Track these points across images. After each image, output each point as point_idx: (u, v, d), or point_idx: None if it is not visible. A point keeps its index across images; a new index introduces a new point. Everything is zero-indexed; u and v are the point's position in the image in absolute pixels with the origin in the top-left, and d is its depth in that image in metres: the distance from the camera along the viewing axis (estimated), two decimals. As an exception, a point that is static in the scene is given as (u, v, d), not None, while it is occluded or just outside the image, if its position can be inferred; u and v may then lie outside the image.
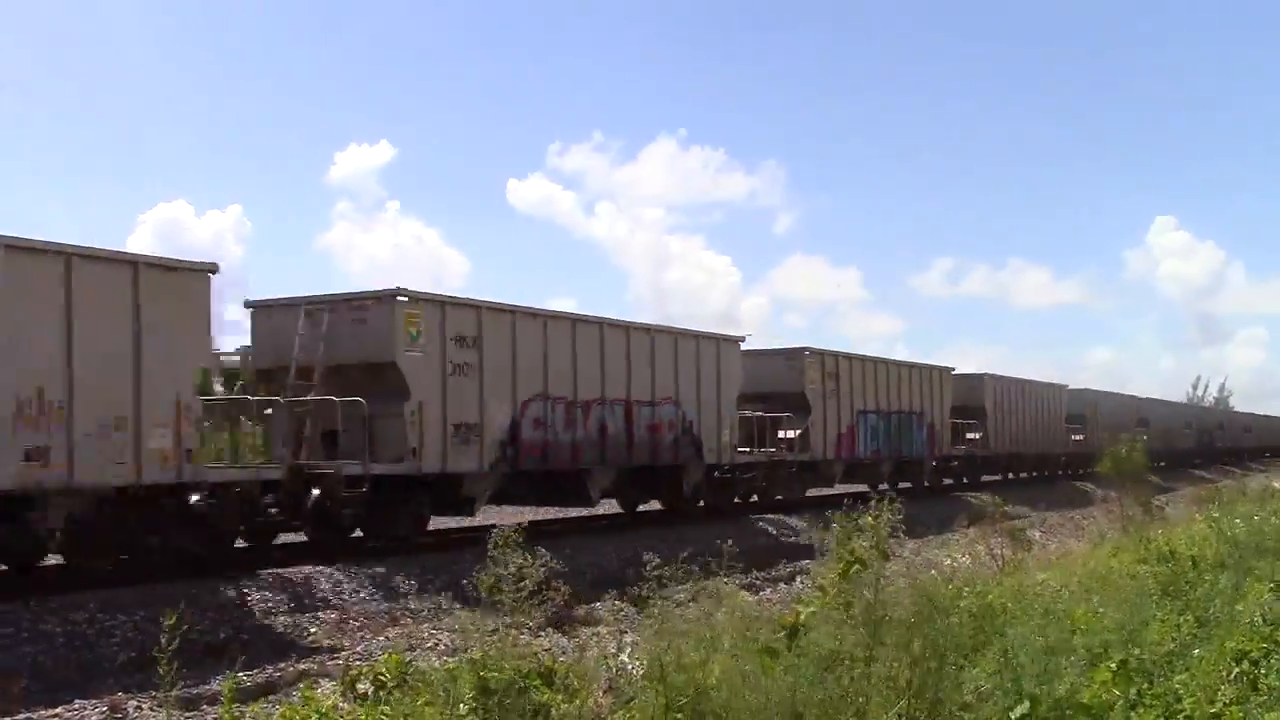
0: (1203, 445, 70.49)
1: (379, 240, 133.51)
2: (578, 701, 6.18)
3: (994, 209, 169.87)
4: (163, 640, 5.69)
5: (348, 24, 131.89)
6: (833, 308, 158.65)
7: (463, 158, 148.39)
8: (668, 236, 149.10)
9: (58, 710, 10.27)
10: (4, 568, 15.21)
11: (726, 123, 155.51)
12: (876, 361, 34.11)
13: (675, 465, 24.81)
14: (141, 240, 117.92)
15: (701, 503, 26.43)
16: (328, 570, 16.35)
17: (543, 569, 6.06)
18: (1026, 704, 5.18)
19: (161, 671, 5.71)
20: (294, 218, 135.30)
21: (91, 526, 14.34)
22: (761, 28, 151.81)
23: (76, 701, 10.53)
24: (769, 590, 16.74)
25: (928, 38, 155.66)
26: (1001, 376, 43.46)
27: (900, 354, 34.90)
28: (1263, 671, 7.12)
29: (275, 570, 16.00)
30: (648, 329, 24.37)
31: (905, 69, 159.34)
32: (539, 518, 25.02)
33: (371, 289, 19.12)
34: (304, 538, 18.91)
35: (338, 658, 12.31)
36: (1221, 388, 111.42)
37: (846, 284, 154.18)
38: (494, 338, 19.97)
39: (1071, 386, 51.48)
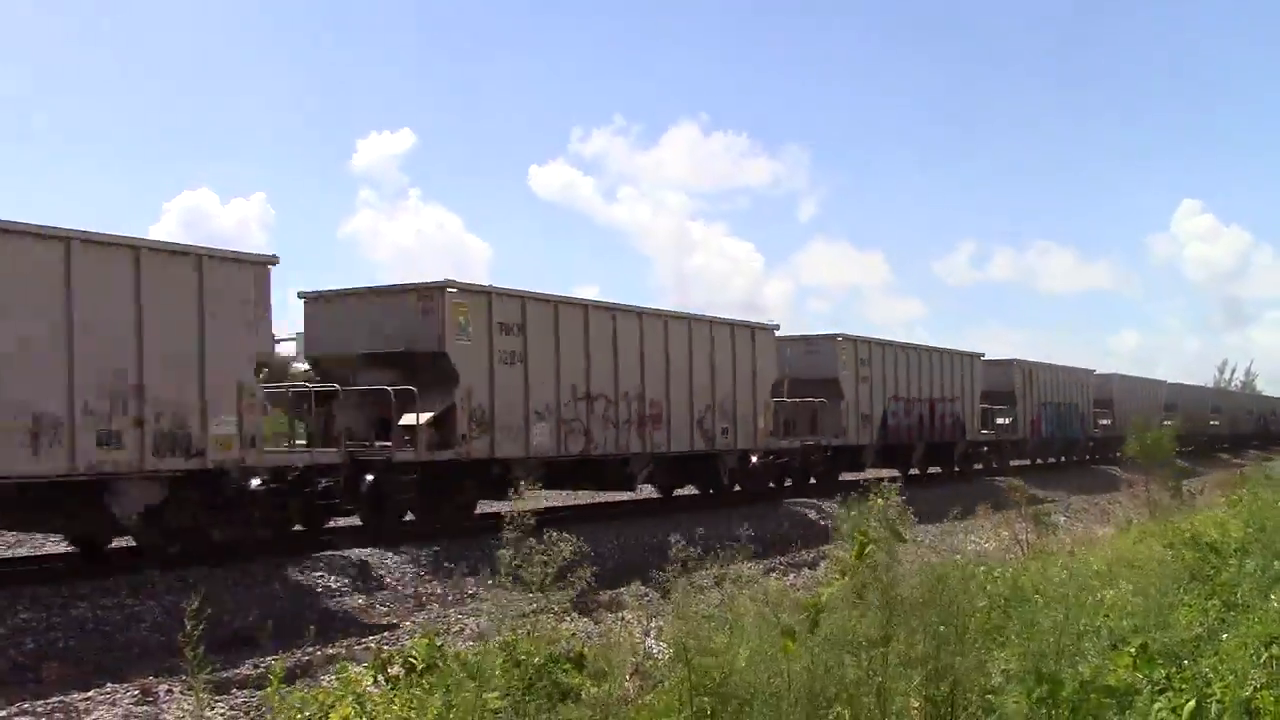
0: (1231, 430, 70.06)
1: (402, 227, 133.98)
2: (607, 685, 6.21)
3: (1019, 192, 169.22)
4: (187, 625, 5.72)
5: (368, 11, 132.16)
6: (857, 292, 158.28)
7: (484, 144, 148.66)
8: (690, 222, 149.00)
9: (90, 693, 10.38)
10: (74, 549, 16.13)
11: (749, 106, 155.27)
12: (908, 348, 34.27)
13: (710, 452, 25.27)
14: (166, 228, 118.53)
15: (737, 487, 26.94)
16: (378, 552, 16.92)
17: (571, 552, 6.06)
18: (1046, 686, 5.18)
19: (189, 655, 5.75)
20: (317, 205, 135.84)
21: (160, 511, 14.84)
22: (784, 11, 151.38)
23: (109, 685, 10.65)
24: (794, 575, 16.79)
25: (952, 21, 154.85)
26: (1030, 362, 43.52)
27: (923, 338, 34.92)
28: (1292, 657, 7.08)
29: (332, 552, 16.54)
30: (685, 318, 24.94)
31: (929, 52, 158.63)
32: (579, 501, 25.95)
33: (423, 280, 19.67)
34: (358, 521, 19.36)
35: (391, 636, 12.69)
36: (1248, 371, 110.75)
37: (871, 268, 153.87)
38: (538, 328, 20.61)
39: (1098, 371, 51.46)
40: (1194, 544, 11.64)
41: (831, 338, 30.82)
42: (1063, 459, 46.73)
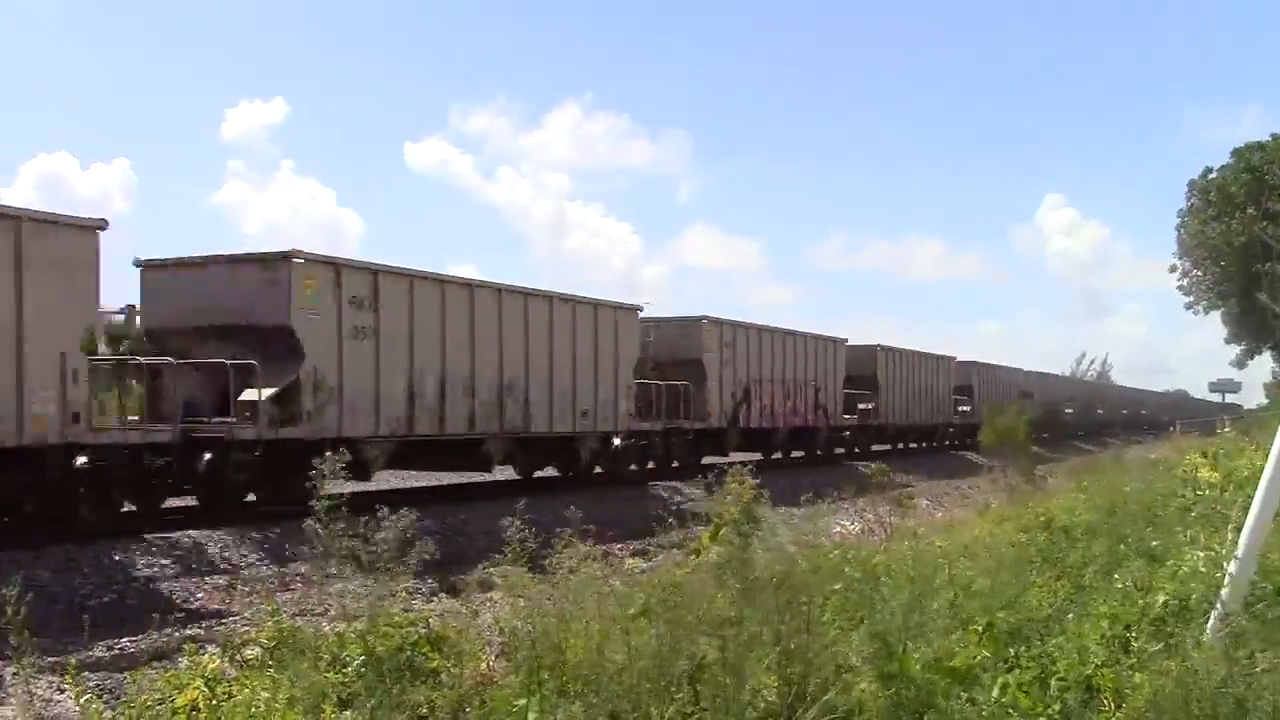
0: (1085, 418, 72.34)
1: (274, 200, 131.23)
2: (469, 667, 6.18)
3: (892, 183, 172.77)
4: (8, 610, 5.52)
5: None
6: (731, 276, 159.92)
7: (359, 118, 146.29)
8: (568, 203, 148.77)
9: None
10: None
11: (633, 88, 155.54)
12: (773, 331, 34.46)
13: (570, 434, 25.22)
14: (21, 193, 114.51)
15: (598, 470, 26.91)
16: (217, 534, 16.27)
17: (407, 531, 5.97)
18: (896, 665, 5.31)
19: (14, 641, 5.57)
20: (184, 174, 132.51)
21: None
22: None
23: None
24: (657, 557, 16.87)
25: (832, 13, 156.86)
26: (893, 348, 44.09)
27: (793, 324, 34.60)
28: (1133, 635, 7.35)
29: (163, 535, 15.80)
30: (546, 296, 24.53)
31: (810, 43, 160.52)
32: (434, 483, 25.20)
33: (269, 249, 18.82)
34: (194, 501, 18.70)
35: (224, 622, 12.18)
36: (1104, 361, 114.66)
37: (745, 253, 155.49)
38: (392, 302, 20.17)
39: (959, 359, 52.40)
40: (1046, 527, 12.04)
41: (697, 320, 30.76)
42: (924, 444, 47.83)
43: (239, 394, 17.69)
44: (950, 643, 6.13)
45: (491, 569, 6.25)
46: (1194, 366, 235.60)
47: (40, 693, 9.56)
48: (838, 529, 15.62)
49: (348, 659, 5.77)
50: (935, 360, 48.79)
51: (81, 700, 5.99)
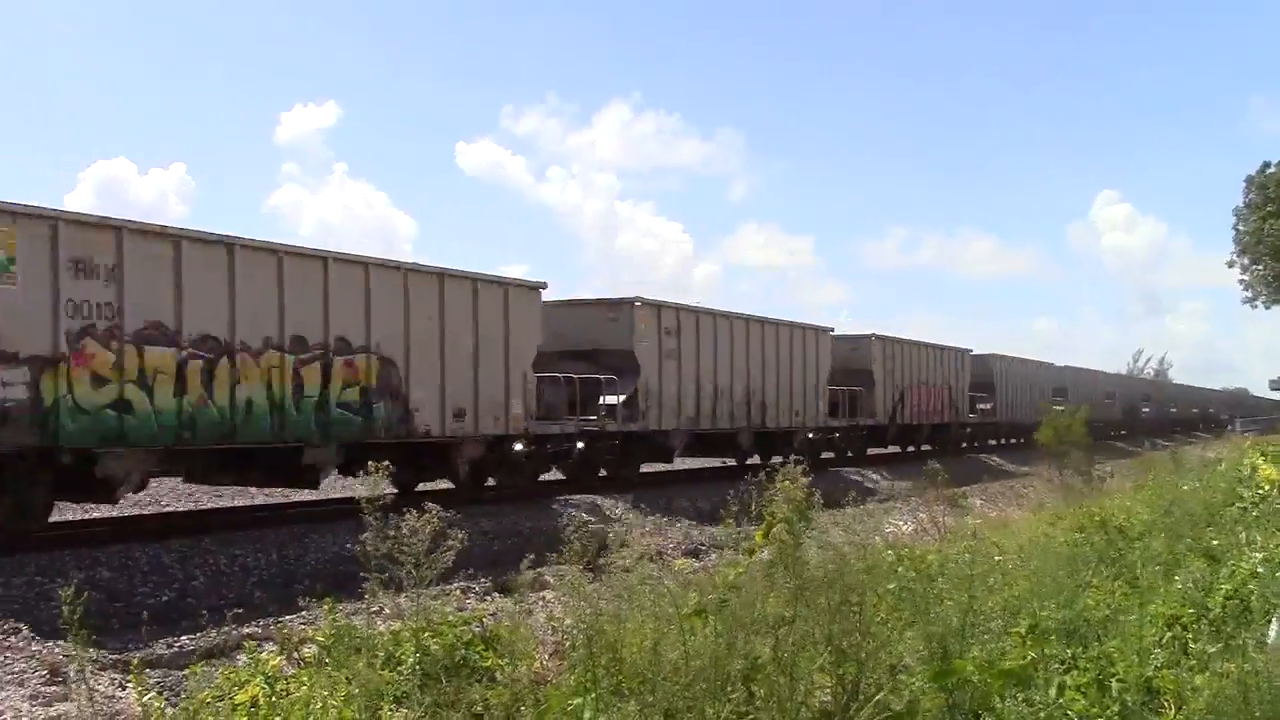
0: (1127, 417, 69.92)
1: (328, 202, 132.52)
2: (523, 666, 6.22)
3: (946, 179, 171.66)
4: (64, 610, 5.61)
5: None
6: (784, 275, 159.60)
7: (411, 120, 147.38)
8: (619, 203, 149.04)
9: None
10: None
11: (683, 87, 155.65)
12: (732, 318, 29.52)
13: (790, 429, 28.12)
14: (81, 199, 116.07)
15: (490, 482, 22.50)
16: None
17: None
18: (950, 665, 5.28)
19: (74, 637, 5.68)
20: (240, 178, 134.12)
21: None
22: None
23: (18, 665, 10.43)
24: (712, 556, 16.87)
25: (885, 10, 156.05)
26: (891, 338, 39.12)
27: (845, 323, 34.16)
28: (1193, 636, 7.29)
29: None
30: (774, 323, 27.78)
31: (863, 40, 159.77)
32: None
33: (617, 296, 26.27)
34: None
35: (280, 622, 12.25)
36: (1161, 360, 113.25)
37: (798, 252, 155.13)
38: (686, 331, 27.57)
39: (976, 351, 47.69)
40: (1102, 527, 11.93)
41: (627, 301, 25.84)
42: (931, 446, 41.88)
43: (599, 399, 24.09)
44: (1005, 643, 6.09)
45: (544, 569, 6.26)
46: (1256, 364, 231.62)
47: (103, 689, 9.73)
48: (890, 529, 15.54)
49: (402, 657, 5.83)
50: (945, 352, 44.19)
51: (144, 698, 6.06)
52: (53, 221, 14.42)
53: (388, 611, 12.37)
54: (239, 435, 16.52)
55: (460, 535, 6.12)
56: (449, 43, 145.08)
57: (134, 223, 15.61)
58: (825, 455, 35.16)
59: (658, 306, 26.44)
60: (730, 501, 7.02)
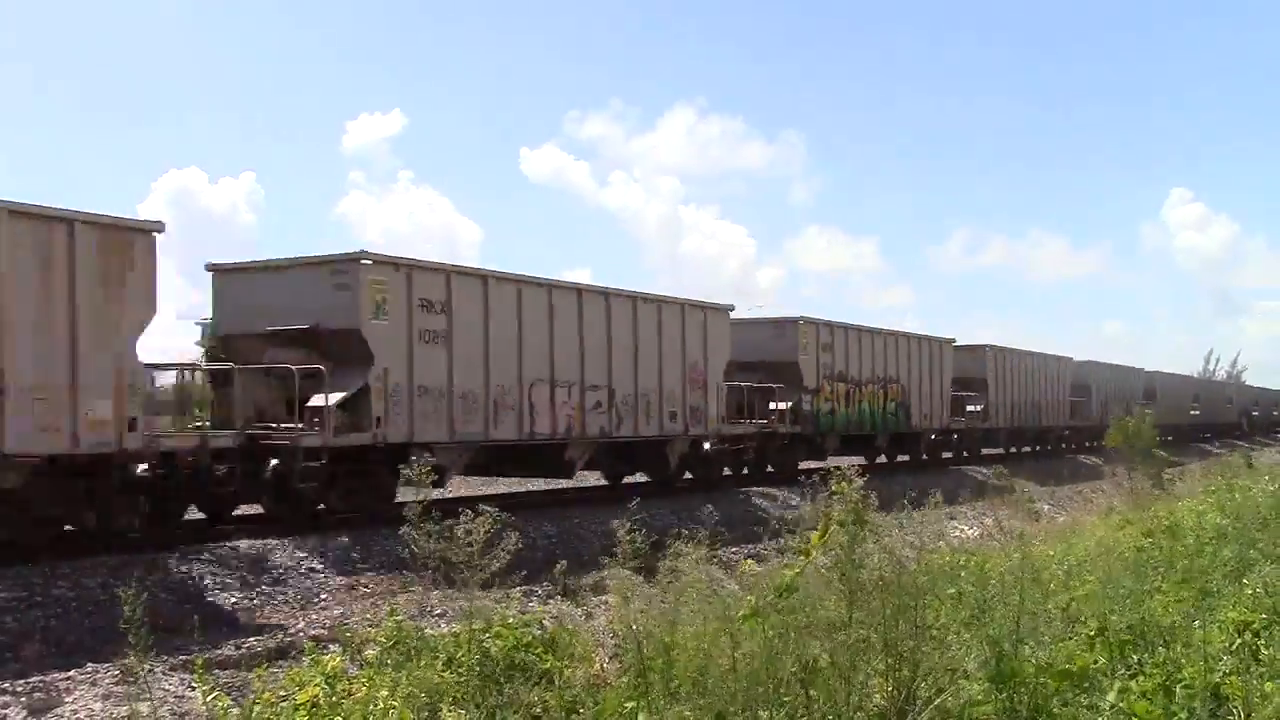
0: (1211, 419, 69.50)
1: (394, 209, 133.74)
2: (582, 669, 6.25)
3: (1014, 179, 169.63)
4: (126, 610, 5.68)
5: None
6: (848, 278, 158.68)
7: (475, 127, 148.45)
8: (682, 207, 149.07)
9: (70, 673, 10.39)
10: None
11: (746, 91, 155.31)
12: (873, 332, 32.79)
13: (659, 438, 24.01)
14: (154, 207, 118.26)
15: (687, 475, 25.69)
16: (282, 542, 15.70)
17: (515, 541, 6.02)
18: (1008, 667, 5.23)
19: (132, 639, 5.74)
20: (308, 186, 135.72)
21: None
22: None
23: (90, 665, 10.65)
24: (773, 559, 16.79)
25: (949, 8, 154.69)
26: (1003, 348, 41.94)
27: (910, 326, 35.19)
28: (1263, 643, 7.15)
29: (228, 544, 15.32)
30: (628, 296, 23.28)
31: (926, 39, 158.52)
32: (513, 489, 25.00)
33: (337, 252, 18.06)
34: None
35: (291, 634, 12.13)
36: (1234, 361, 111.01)
37: (863, 254, 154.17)
38: (464, 304, 19.16)
39: (1077, 359, 50.15)
40: (1171, 532, 11.73)
41: (792, 320, 29.53)
42: (1036, 448, 45.43)
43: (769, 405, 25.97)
44: (1066, 647, 6.01)
45: (604, 572, 6.28)
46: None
47: (172, 689, 9.91)
48: (955, 533, 15.40)
49: (463, 659, 5.88)
50: (1050, 360, 46.60)
51: (208, 697, 6.17)
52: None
53: (450, 614, 12.53)
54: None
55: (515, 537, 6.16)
56: (513, 50, 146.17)
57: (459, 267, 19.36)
58: (945, 455, 38.27)
59: (816, 324, 30.06)
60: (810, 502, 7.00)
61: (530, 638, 6.21)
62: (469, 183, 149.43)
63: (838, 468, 5.95)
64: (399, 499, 18.21)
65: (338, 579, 14.99)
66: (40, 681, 10.11)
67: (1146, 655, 6.71)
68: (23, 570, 13.05)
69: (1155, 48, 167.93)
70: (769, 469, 28.34)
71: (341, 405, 17.01)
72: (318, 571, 15.20)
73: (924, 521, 6.67)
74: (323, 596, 14.45)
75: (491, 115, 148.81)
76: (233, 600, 13.78)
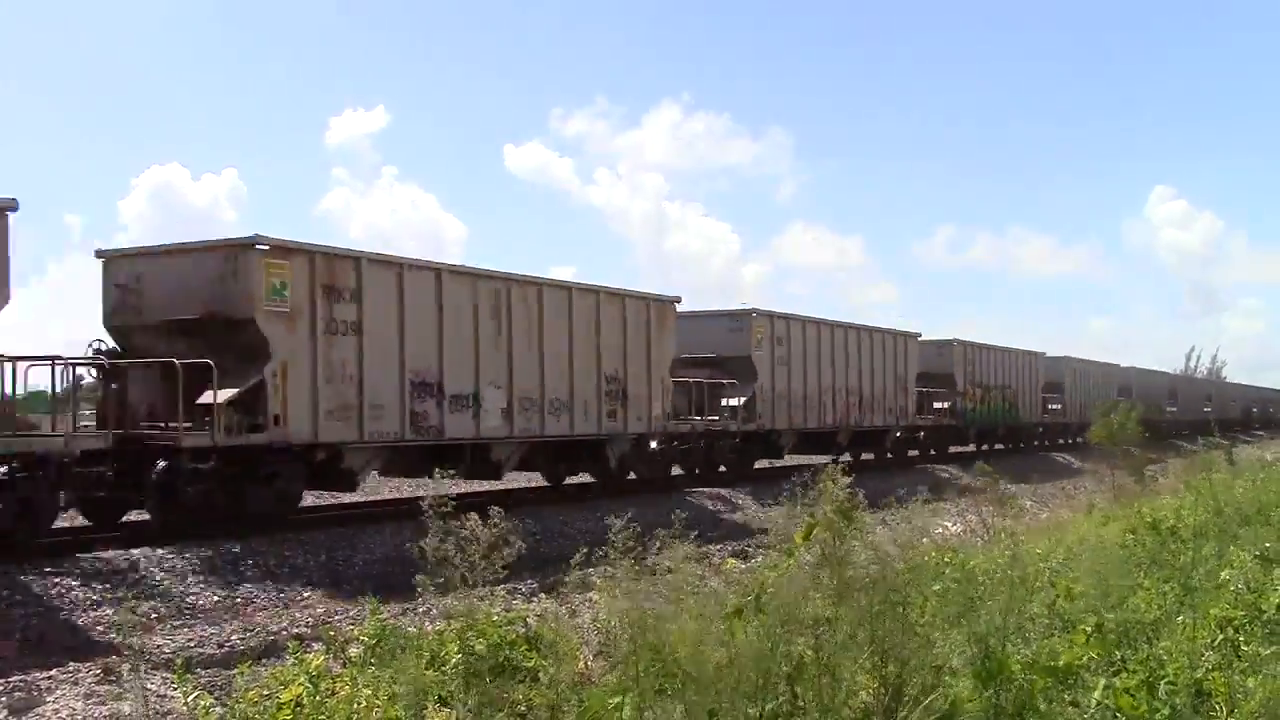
0: (1189, 416, 69.72)
1: (377, 205, 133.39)
2: (566, 667, 6.23)
3: (999, 177, 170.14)
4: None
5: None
6: (833, 275, 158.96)
7: (460, 123, 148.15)
8: (666, 203, 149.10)
9: (52, 672, 10.34)
10: None
11: (733, 87, 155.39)
12: (834, 325, 31.68)
13: (597, 438, 22.83)
14: (135, 204, 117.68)
15: (631, 475, 24.58)
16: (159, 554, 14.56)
17: (511, 537, 6.01)
18: (994, 664, 5.24)
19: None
20: (291, 183, 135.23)
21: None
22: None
23: (71, 664, 10.60)
24: (759, 557, 16.78)
25: (933, 7, 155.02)
26: (973, 343, 41.39)
27: (896, 323, 34.92)
28: (1245, 638, 7.18)
29: (99, 555, 14.21)
30: (563, 286, 22.09)
31: (911, 38, 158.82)
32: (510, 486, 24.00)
33: (228, 237, 16.94)
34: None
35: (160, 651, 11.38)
36: (1214, 358, 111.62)
37: (848, 251, 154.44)
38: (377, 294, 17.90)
39: (1049, 354, 49.82)
40: (1154, 528, 11.77)
41: (745, 312, 28.24)
42: (1007, 445, 44.87)
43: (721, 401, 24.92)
44: (1051, 644, 6.03)
45: (590, 569, 6.25)
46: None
47: (155, 688, 9.86)
48: (939, 530, 15.39)
49: (447, 657, 5.87)
50: (1021, 356, 46.17)
51: (190, 697, 6.14)
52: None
53: (435, 612, 12.50)
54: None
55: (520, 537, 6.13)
56: (498, 46, 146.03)
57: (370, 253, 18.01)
58: (911, 453, 37.74)
59: (771, 317, 28.63)
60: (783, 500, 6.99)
61: (515, 635, 6.20)
62: (453, 179, 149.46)
63: (816, 466, 5.95)
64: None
65: (219, 592, 13.82)
66: (22, 680, 10.06)
67: (1130, 652, 6.73)
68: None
69: (1138, 45, 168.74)
70: (721, 469, 27.36)
71: (234, 402, 15.75)
72: (195, 583, 13.99)
73: (909, 518, 6.66)
74: (196, 612, 13.28)
75: (476, 112, 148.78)
76: (90, 617, 12.57)
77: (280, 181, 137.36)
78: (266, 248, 16.29)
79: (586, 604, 11.25)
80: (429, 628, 7.49)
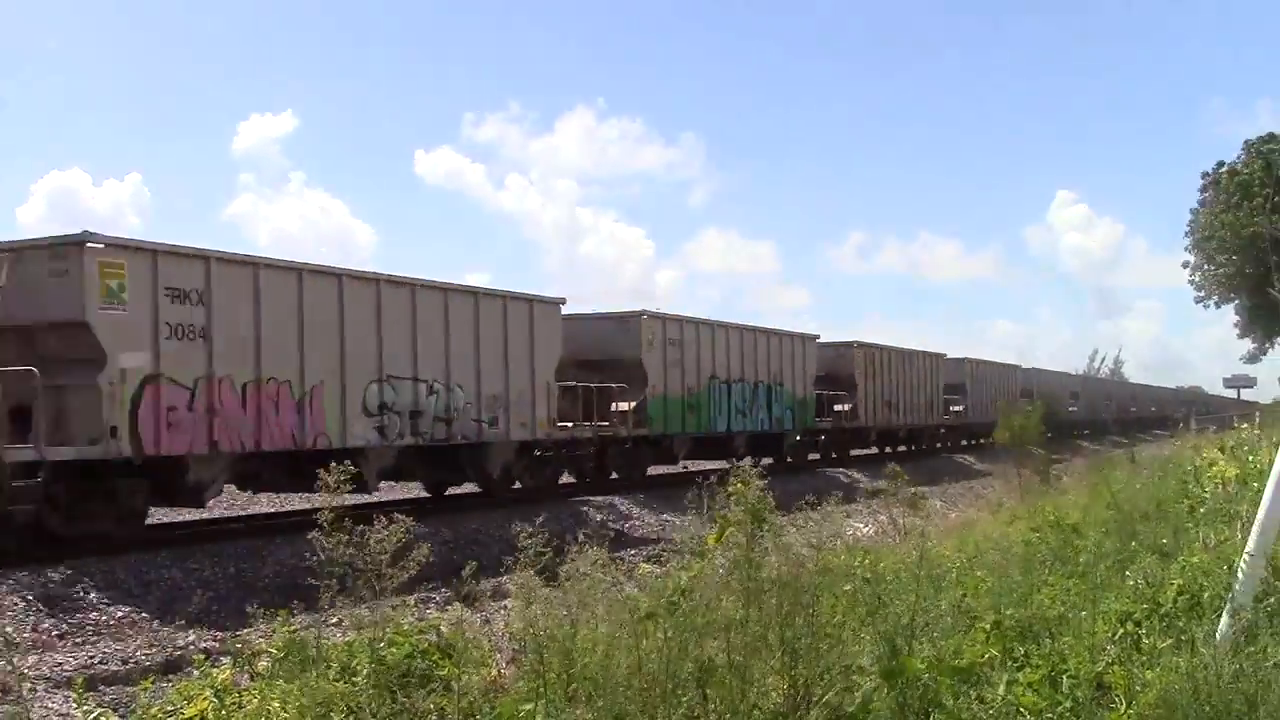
0: (1091, 416, 71.15)
1: (286, 212, 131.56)
2: (480, 674, 6.20)
3: (907, 183, 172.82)
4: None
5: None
6: (745, 280, 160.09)
7: (370, 128, 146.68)
8: (579, 209, 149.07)
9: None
10: None
11: (646, 93, 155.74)
12: (729, 327, 31.18)
13: (476, 444, 22.09)
14: (34, 211, 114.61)
15: (517, 484, 23.89)
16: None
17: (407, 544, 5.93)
18: (900, 663, 5.31)
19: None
20: (197, 188, 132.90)
21: None
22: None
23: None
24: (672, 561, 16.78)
25: (843, 12, 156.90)
26: (872, 345, 41.06)
27: (809, 328, 34.85)
28: (1144, 632, 7.34)
29: None
30: (439, 288, 21.33)
31: (821, 44, 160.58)
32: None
33: (61, 234, 15.64)
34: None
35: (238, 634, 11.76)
36: (1116, 359, 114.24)
37: (760, 257, 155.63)
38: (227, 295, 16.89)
39: (950, 355, 50.11)
40: (1057, 525, 12.01)
41: (635, 314, 27.34)
42: (909, 448, 45.35)
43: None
44: (957, 642, 6.12)
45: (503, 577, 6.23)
46: (1209, 363, 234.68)
47: (56, 707, 9.62)
48: (851, 531, 15.57)
49: (357, 668, 5.80)
50: (922, 357, 46.11)
51: (89, 716, 6.00)
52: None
53: (346, 623, 12.34)
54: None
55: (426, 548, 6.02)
56: (409, 50, 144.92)
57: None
58: (812, 456, 37.20)
59: (662, 319, 27.93)
60: (690, 505, 7.01)
61: (427, 644, 6.14)
62: (363, 185, 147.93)
63: (739, 467, 5.99)
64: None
65: (46, 621, 12.70)
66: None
67: (1034, 647, 6.86)
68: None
69: (1038, 52, 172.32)
70: (613, 475, 26.80)
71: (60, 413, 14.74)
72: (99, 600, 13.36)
73: (821, 520, 6.73)
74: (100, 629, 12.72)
75: (386, 116, 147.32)
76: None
77: (186, 187, 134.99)
78: (101, 245, 15.29)
79: (501, 611, 11.21)
80: (340, 639, 7.39)
